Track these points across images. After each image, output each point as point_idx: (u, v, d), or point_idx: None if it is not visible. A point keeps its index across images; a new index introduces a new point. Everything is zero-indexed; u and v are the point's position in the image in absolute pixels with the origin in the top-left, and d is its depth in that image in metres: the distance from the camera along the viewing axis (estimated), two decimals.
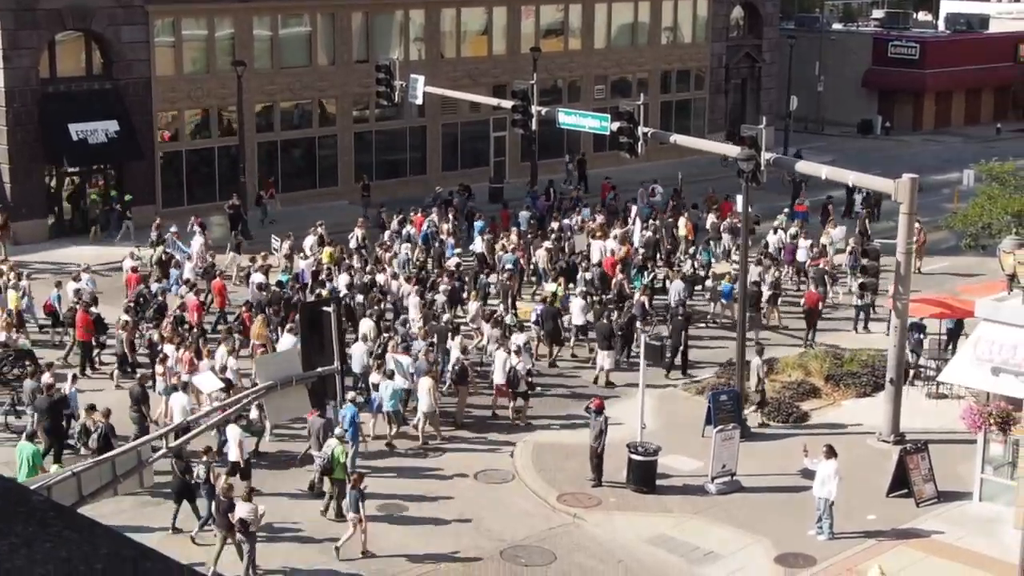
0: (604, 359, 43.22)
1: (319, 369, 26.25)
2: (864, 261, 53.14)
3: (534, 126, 51.28)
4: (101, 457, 26.24)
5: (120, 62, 61.22)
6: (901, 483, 34.15)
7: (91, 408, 34.84)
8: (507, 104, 52.41)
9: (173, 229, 54.84)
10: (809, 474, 32.94)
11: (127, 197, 61.12)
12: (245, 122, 63.41)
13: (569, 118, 50.84)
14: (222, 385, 36.23)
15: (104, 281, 51.18)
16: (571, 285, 49.70)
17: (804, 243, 55.89)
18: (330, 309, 27.25)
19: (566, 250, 55.14)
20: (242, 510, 29.38)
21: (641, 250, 55.04)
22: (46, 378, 36.64)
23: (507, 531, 32.65)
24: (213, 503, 30.40)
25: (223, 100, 64.41)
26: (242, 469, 33.21)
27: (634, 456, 34.67)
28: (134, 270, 49.35)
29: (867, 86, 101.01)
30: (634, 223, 59.49)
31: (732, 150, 41.24)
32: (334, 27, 68.68)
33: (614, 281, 50.21)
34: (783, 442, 37.95)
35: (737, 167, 38.67)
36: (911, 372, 42.16)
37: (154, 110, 62.79)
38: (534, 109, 50.24)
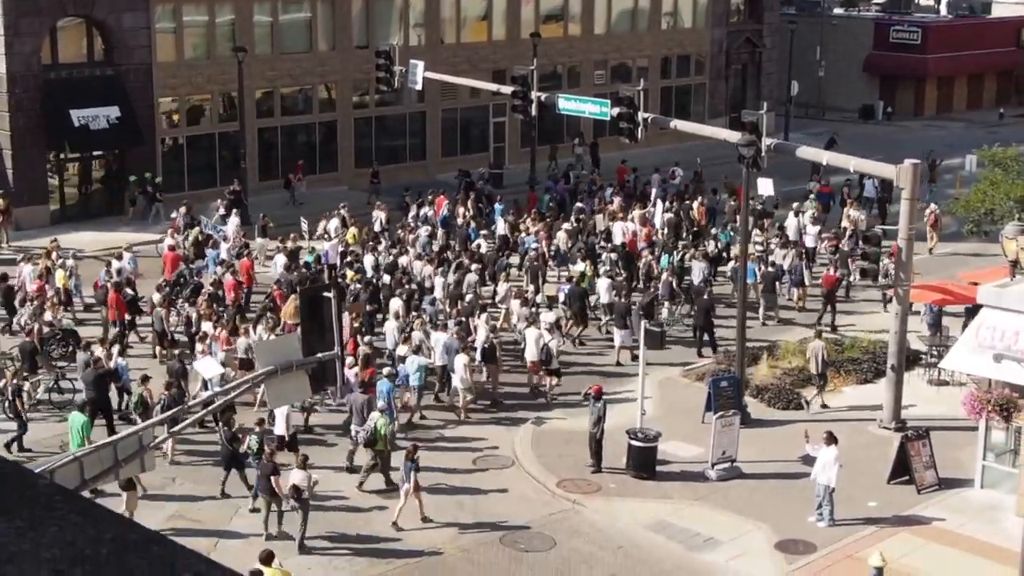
0: (622, 338, 43.72)
1: (319, 355, 26.24)
2: (865, 246, 53.05)
3: (534, 112, 51.26)
4: (103, 442, 26.25)
5: (121, 48, 61.17)
6: (902, 470, 34.15)
7: (145, 379, 35.91)
8: (507, 90, 52.37)
9: (179, 212, 55.26)
10: (810, 460, 32.93)
11: (158, 180, 61.66)
12: (246, 108, 63.36)
13: (569, 104, 50.80)
14: (223, 371, 36.46)
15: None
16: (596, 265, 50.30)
17: (812, 229, 56.15)
18: (330, 295, 27.22)
19: (585, 231, 55.86)
20: (296, 477, 30.40)
21: (664, 231, 55.82)
22: (98, 351, 37.68)
23: (507, 516, 32.67)
24: (258, 472, 31.70)
25: (224, 86, 64.37)
26: (288, 442, 34.30)
27: (634, 442, 34.68)
28: (171, 248, 50.43)
29: (868, 71, 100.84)
30: (654, 205, 60.24)
31: (732, 135, 41.20)
32: (334, 13, 68.60)
33: (643, 261, 50.77)
34: (783, 428, 37.96)
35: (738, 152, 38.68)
36: (928, 354, 42.38)
37: (155, 96, 62.74)
38: (534, 95, 50.20)
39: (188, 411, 29.32)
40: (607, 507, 33.21)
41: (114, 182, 62.79)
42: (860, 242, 53.94)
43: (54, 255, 48.53)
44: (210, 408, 29.96)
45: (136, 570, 3.70)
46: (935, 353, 42.48)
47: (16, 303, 45.57)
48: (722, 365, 42.05)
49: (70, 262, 48.08)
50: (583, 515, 32.97)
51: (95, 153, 62.59)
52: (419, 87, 57.43)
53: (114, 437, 26.81)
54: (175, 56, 63.70)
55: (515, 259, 52.09)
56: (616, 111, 44.53)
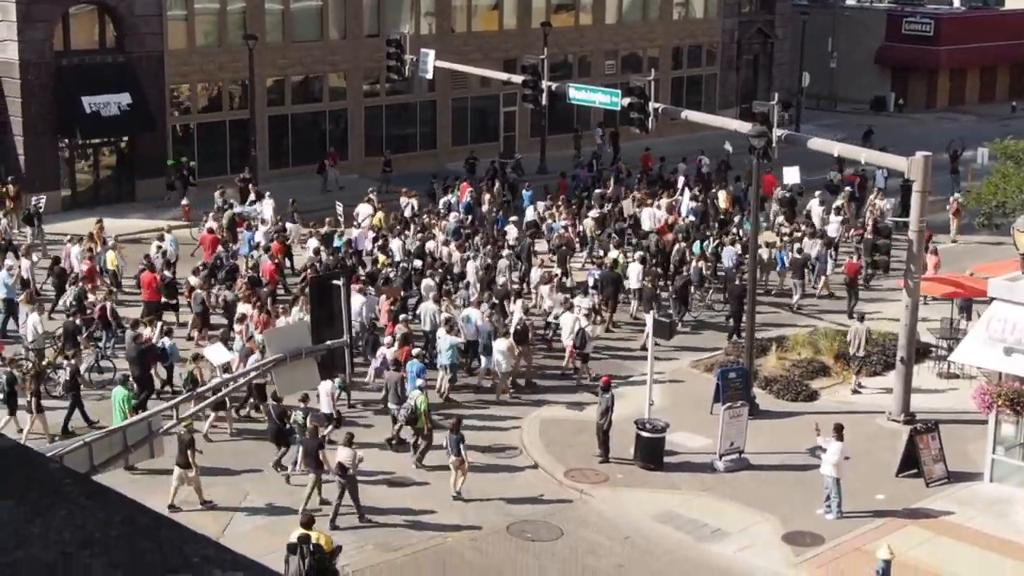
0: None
1: (328, 342, 26.26)
2: (876, 239, 53.05)
3: (544, 101, 51.25)
4: (112, 427, 26.31)
5: (133, 35, 61.19)
6: (911, 463, 34.11)
7: (197, 357, 36.77)
8: (517, 79, 52.37)
9: (183, 204, 55.64)
10: (819, 453, 32.90)
11: (192, 163, 62.17)
12: (256, 95, 63.39)
13: (580, 93, 50.75)
14: (232, 357, 36.65)
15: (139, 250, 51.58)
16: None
17: (835, 218, 56.41)
18: (340, 282, 27.26)
19: (613, 218, 56.52)
20: (342, 454, 31.07)
21: (691, 218, 56.29)
22: (145, 331, 38.81)
23: (514, 506, 32.70)
24: (303, 447, 32.54)
25: (235, 74, 64.38)
26: (334, 420, 35.08)
27: (642, 433, 34.70)
28: (210, 231, 51.03)
29: (880, 63, 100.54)
30: (681, 193, 60.76)
31: (743, 126, 41.16)
32: (345, 1, 68.51)
33: (676, 248, 51.21)
34: (792, 420, 37.94)
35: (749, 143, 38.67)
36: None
37: (166, 83, 62.77)
38: (544, 84, 50.17)
39: (200, 396, 29.46)
40: (615, 497, 33.22)
41: (126, 169, 62.80)
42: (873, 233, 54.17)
43: (102, 237, 49.61)
44: (221, 394, 30.08)
45: (145, 554, 3.70)
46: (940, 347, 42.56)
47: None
48: (731, 356, 42.04)
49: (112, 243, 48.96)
50: (591, 505, 32.99)
51: (106, 140, 62.60)
52: (430, 76, 57.45)
53: (125, 422, 26.88)
54: (186, 43, 63.73)
55: (542, 245, 52.78)
56: (627, 101, 44.52)
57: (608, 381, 35.75)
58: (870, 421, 37.74)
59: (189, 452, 31.33)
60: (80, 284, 44.54)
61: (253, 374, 28.73)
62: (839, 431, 32.09)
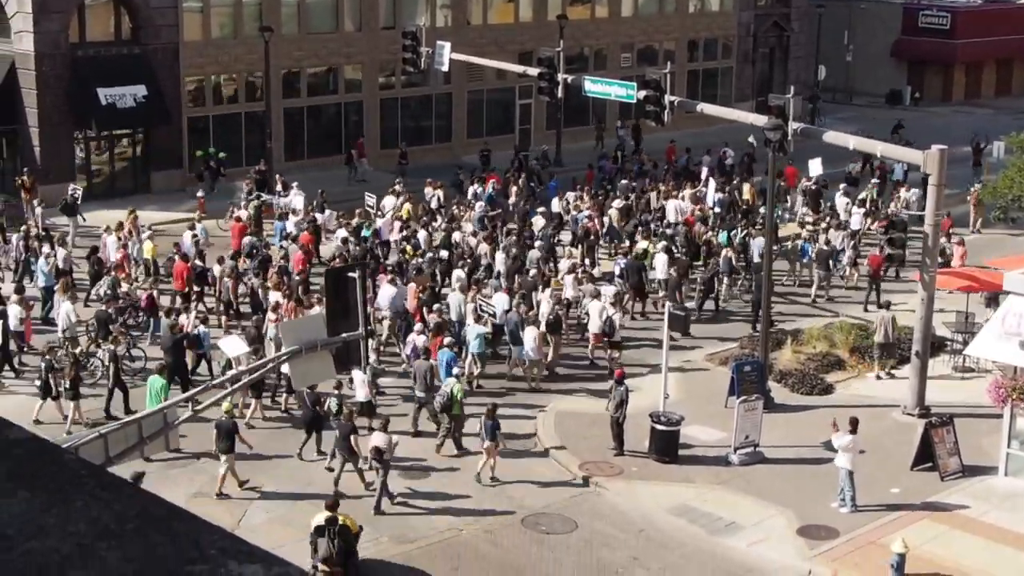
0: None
1: (344, 335, 26.31)
2: (891, 232, 53.05)
3: (560, 94, 51.24)
4: (128, 419, 26.39)
5: (148, 27, 61.28)
6: (926, 456, 34.06)
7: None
8: (533, 72, 52.35)
9: (199, 195, 55.96)
10: (834, 446, 32.87)
11: (221, 154, 62.43)
12: (272, 87, 63.44)
13: (595, 86, 50.70)
14: (248, 349, 36.77)
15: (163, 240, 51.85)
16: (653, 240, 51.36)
17: (858, 210, 56.57)
18: (355, 275, 27.30)
19: (639, 209, 57.25)
20: (377, 439, 31.59)
21: (716, 210, 56.84)
22: (181, 319, 39.56)
23: (528, 498, 32.72)
24: (337, 432, 33.04)
25: (250, 65, 64.43)
26: (369, 407, 35.71)
27: (657, 426, 34.68)
28: (238, 220, 51.98)
29: (896, 56, 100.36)
30: (705, 184, 61.28)
31: (759, 119, 41.11)
32: None
33: (703, 238, 51.65)
34: (806, 414, 37.90)
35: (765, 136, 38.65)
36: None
37: (182, 75, 62.85)
38: (560, 77, 50.12)
39: (213, 388, 29.52)
40: (629, 490, 33.22)
41: (141, 160, 62.94)
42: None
43: (137, 227, 50.29)
44: (237, 386, 30.14)
45: (161, 546, 3.71)
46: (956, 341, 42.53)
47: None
48: (746, 350, 42.02)
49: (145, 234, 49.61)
50: (605, 498, 32.99)
51: (122, 131, 62.69)
52: (445, 68, 57.47)
53: (139, 415, 26.94)
54: (202, 35, 63.81)
55: (565, 235, 53.35)
56: (642, 94, 44.48)
57: (622, 374, 35.78)
58: (885, 415, 37.70)
59: (237, 436, 32.28)
60: (114, 273, 45.17)
61: (270, 366, 28.77)
62: (854, 425, 32.06)
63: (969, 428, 35.34)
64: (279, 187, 58.39)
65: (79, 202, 54.84)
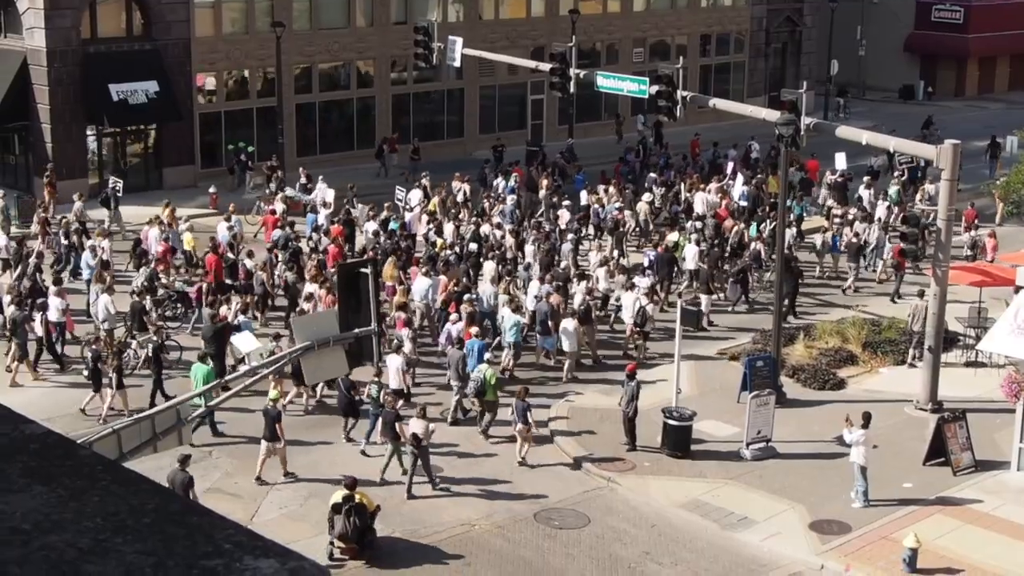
0: (705, 303, 45.21)
1: (356, 330, 26.32)
2: (903, 227, 53.10)
3: (572, 89, 51.21)
4: (142, 415, 26.42)
5: (160, 23, 61.32)
6: (938, 451, 34.02)
7: (278, 336, 37.81)
8: (545, 67, 52.33)
9: (212, 190, 56.17)
10: (847, 442, 32.87)
11: (251, 148, 62.78)
12: (283, 83, 63.48)
13: (608, 81, 50.68)
14: (259, 346, 36.79)
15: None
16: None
17: (882, 203, 57.08)
18: (367, 271, 27.31)
19: (668, 202, 58.16)
20: (415, 426, 32.31)
21: (743, 203, 57.31)
22: (223, 310, 40.20)
23: (541, 493, 32.73)
24: (381, 419, 33.71)
25: (262, 61, 64.47)
26: (405, 394, 36.38)
27: (669, 421, 34.70)
28: (272, 212, 52.87)
29: (909, 51, 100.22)
30: (732, 178, 61.93)
31: (771, 114, 41.07)
32: None
33: (734, 230, 52.03)
34: (819, 409, 37.87)
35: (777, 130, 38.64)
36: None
37: (193, 71, 62.90)
38: (572, 72, 50.10)
39: (227, 385, 29.60)
40: (642, 485, 33.23)
41: (153, 156, 63.03)
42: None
43: (175, 219, 51.09)
44: (251, 382, 30.14)
45: (176, 540, 3.73)
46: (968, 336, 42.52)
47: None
48: (758, 345, 42.01)
49: (182, 225, 50.48)
50: (617, 493, 33.01)
51: (134, 127, 62.79)
52: (457, 64, 57.46)
53: (153, 410, 26.98)
54: (213, 31, 63.84)
55: (588, 229, 53.89)
56: (655, 89, 44.45)
57: (634, 368, 35.80)
58: (898, 410, 37.66)
59: (277, 426, 32.67)
60: (153, 265, 45.71)
61: (283, 362, 28.78)
62: (866, 419, 32.06)
63: (982, 423, 35.32)
64: (302, 179, 58.75)
65: (119, 195, 55.50)
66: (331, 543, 28.97)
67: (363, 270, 27.61)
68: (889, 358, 41.87)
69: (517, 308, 41.06)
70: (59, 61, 58.43)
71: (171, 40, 61.61)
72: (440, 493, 32.45)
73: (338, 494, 29.13)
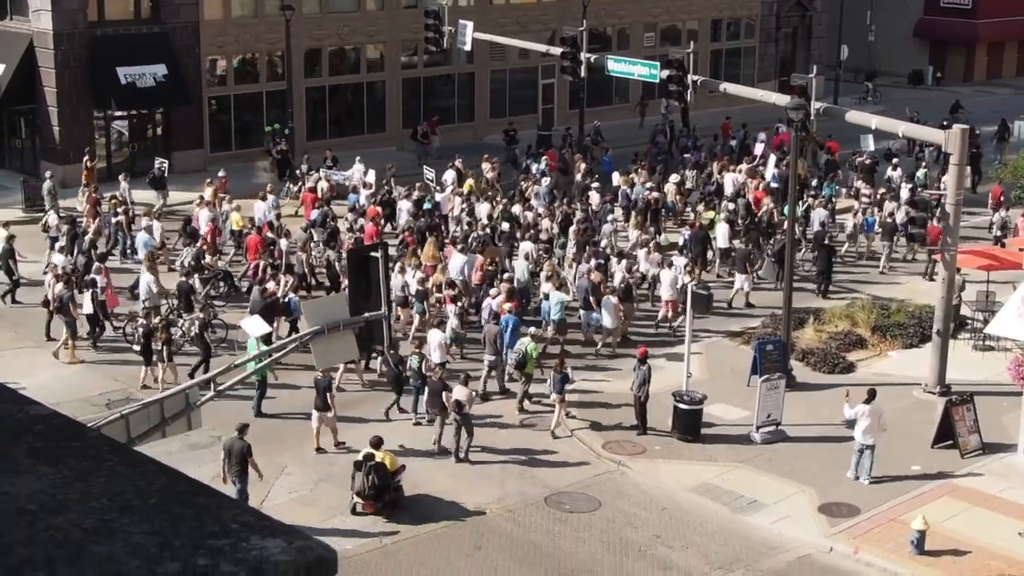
0: (742, 282, 45.82)
1: (366, 315, 26.34)
2: (912, 212, 53.12)
3: (583, 73, 51.18)
4: (149, 400, 26.46)
5: (168, 6, 61.19)
6: (946, 434, 34.04)
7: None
8: (556, 51, 52.27)
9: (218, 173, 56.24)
10: (852, 423, 32.93)
11: (286, 130, 63.15)
12: (293, 67, 63.43)
13: (618, 66, 50.65)
14: (269, 330, 36.97)
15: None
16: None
17: (907, 186, 57.34)
18: (378, 255, 27.32)
19: (700, 182, 59.43)
20: (459, 393, 33.55)
21: (775, 185, 57.45)
22: (270, 286, 41.44)
23: (552, 478, 32.76)
24: (428, 389, 34.76)
25: (271, 45, 64.36)
26: (443, 368, 36.35)
27: (680, 405, 34.72)
28: (311, 190, 53.99)
29: (919, 36, 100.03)
30: (763, 159, 63.05)
31: (782, 99, 41.04)
32: None
33: (764, 209, 52.57)
34: (828, 392, 37.85)
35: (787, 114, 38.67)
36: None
37: (202, 54, 62.81)
38: (583, 56, 50.04)
39: (235, 368, 29.58)
40: (652, 469, 33.25)
41: (161, 140, 62.99)
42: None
43: (220, 199, 52.09)
44: (260, 367, 30.21)
45: (183, 520, 3.74)
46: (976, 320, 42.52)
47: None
48: (768, 328, 42.01)
49: (227, 206, 51.34)
50: (628, 477, 33.03)
51: (142, 111, 62.77)
52: (468, 48, 57.44)
53: (162, 395, 27.01)
54: (222, 14, 63.74)
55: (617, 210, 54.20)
56: (665, 73, 44.41)
57: (645, 352, 35.81)
58: (906, 393, 37.67)
59: (328, 395, 33.71)
60: (199, 245, 46.47)
61: (291, 347, 28.80)
62: (871, 395, 32.33)
63: (989, 406, 35.31)
64: (328, 161, 59.13)
65: (166, 176, 56.39)
66: (352, 498, 30.46)
67: (373, 254, 27.62)
68: (898, 341, 41.86)
69: (561, 286, 42.08)
70: (66, 44, 58.32)
71: (180, 23, 61.51)
72: (452, 480, 32.50)
73: (362, 452, 30.69)
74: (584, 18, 64.83)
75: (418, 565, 28.59)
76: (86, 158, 56.53)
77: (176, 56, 60.99)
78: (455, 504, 31.27)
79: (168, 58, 60.57)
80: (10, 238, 45.55)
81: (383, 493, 30.33)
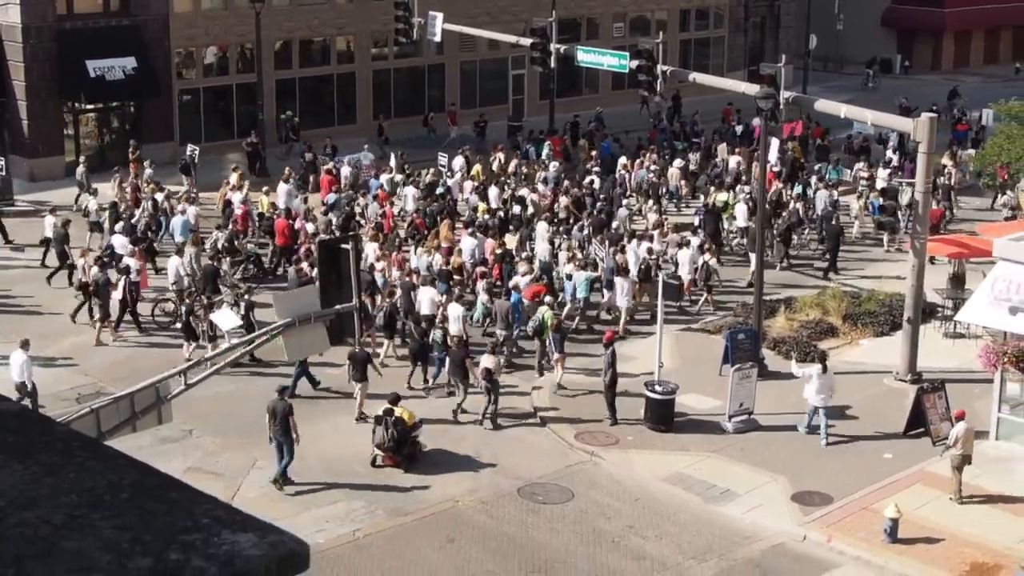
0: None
1: (337, 306, 26.29)
2: (882, 200, 53.29)
3: (553, 64, 51.17)
4: (120, 393, 26.38)
5: None
6: (918, 422, 34.13)
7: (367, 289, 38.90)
8: (526, 42, 52.28)
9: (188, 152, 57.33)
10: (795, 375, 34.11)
11: (296, 118, 64.05)
12: (263, 59, 63.27)
13: (588, 56, 50.68)
14: (240, 323, 36.93)
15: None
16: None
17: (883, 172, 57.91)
18: (348, 246, 27.26)
19: (707, 165, 60.88)
20: (487, 361, 35.14)
21: (777, 168, 58.26)
22: (304, 267, 42.10)
23: (524, 469, 32.77)
24: (449, 360, 36.31)
25: (241, 37, 64.18)
26: (465, 341, 37.55)
27: (651, 395, 34.75)
28: (328, 172, 55.40)
29: (886, 25, 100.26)
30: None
31: (750, 88, 41.12)
32: None
33: (772, 188, 52.73)
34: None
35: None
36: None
37: (172, 47, 62.57)
38: (553, 47, 50.04)
39: (210, 361, 29.49)
40: (625, 459, 33.28)
41: (132, 133, 62.72)
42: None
43: (243, 184, 53.04)
44: (231, 359, 30.09)
45: (154, 515, 3.72)
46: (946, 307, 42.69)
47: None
48: (740, 317, 42.09)
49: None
50: (601, 467, 33.05)
51: (112, 104, 62.54)
52: (438, 39, 57.46)
53: (132, 388, 26.92)
54: (192, 7, 63.54)
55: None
56: (635, 64, 44.45)
57: (612, 336, 36.07)
58: (877, 381, 37.78)
59: (370, 366, 35.18)
60: (232, 228, 47.68)
61: (259, 341, 28.71)
62: (821, 358, 33.21)
63: (960, 393, 35.38)
64: (328, 150, 60.05)
65: (196, 162, 56.76)
66: (373, 451, 32.24)
67: (343, 246, 27.57)
68: (869, 330, 41.97)
69: (584, 266, 43.16)
70: (34, 37, 58.02)
71: (149, 16, 61.26)
72: (421, 474, 32.51)
73: (382, 408, 32.35)
74: (554, 8, 64.75)
75: (391, 558, 28.57)
76: (130, 149, 57.41)
77: (146, 49, 60.74)
78: (428, 496, 31.27)
79: (138, 51, 60.32)
80: (66, 223, 46.45)
81: (402, 446, 32.21)
